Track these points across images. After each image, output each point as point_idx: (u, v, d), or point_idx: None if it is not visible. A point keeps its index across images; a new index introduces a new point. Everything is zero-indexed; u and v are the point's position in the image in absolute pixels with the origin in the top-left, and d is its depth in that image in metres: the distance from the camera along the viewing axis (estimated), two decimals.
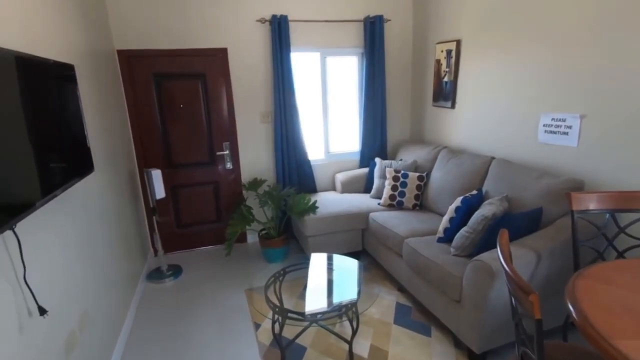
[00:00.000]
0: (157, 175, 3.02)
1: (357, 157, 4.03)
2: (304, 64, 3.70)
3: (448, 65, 3.34)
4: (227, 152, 3.60)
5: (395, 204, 3.26)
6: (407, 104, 4.07)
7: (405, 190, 3.24)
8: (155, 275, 3.19)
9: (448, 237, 2.48)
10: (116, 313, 2.34)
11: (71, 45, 2.06)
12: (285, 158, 3.64)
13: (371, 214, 3.17)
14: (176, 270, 3.26)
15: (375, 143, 3.94)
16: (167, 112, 3.38)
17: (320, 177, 3.93)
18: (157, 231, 3.21)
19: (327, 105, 3.85)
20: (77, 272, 1.80)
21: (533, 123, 2.58)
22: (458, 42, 3.20)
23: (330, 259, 2.55)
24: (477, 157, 2.87)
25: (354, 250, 3.33)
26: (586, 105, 2.21)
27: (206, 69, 3.39)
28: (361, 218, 3.21)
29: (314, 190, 3.83)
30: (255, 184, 3.52)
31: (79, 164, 1.73)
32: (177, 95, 3.37)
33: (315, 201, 3.21)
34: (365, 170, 3.83)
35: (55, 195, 1.42)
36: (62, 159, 1.55)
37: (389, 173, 3.34)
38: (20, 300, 1.28)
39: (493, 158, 2.78)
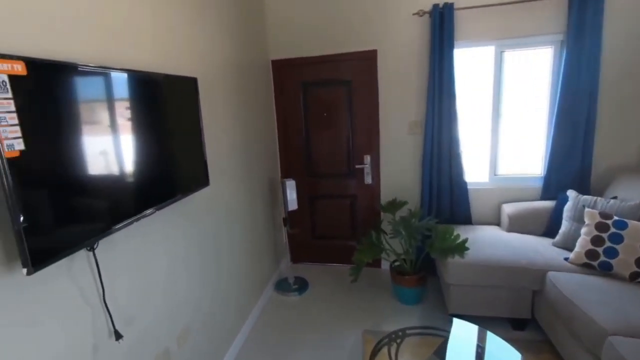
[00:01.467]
0: (291, 185, 2.94)
1: (539, 185, 2.95)
2: (469, 63, 2.93)
3: None
4: (367, 165, 3.23)
5: (596, 265, 2.15)
6: (636, 108, 2.70)
7: (617, 247, 2.09)
8: (283, 285, 3.15)
9: None
10: (234, 319, 2.34)
11: (221, 59, 2.11)
12: (435, 177, 2.98)
13: (550, 274, 2.19)
14: (302, 285, 3.14)
15: (572, 167, 2.77)
16: (311, 121, 3.29)
17: (479, 205, 3.07)
18: (286, 242, 3.15)
19: (499, 113, 2.95)
20: (184, 283, 1.79)
21: None
22: None
23: (481, 339, 1.82)
24: None
25: (517, 317, 2.40)
26: None
27: (352, 75, 3.11)
28: (533, 275, 2.26)
29: (467, 221, 3.02)
30: (393, 205, 3.02)
31: (190, 177, 1.70)
32: (322, 103, 3.22)
33: (466, 239, 2.46)
34: (550, 204, 2.75)
35: (161, 207, 1.38)
36: (173, 173, 1.51)
37: (590, 216, 2.23)
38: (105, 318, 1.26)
39: None
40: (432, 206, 3.04)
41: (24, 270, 0.89)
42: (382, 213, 3.25)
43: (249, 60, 2.69)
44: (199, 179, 1.78)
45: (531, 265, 2.27)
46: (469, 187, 3.00)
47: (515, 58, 2.86)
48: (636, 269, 2.03)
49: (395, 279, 2.79)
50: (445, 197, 3.02)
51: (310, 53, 3.11)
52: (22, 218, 0.87)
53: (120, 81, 1.24)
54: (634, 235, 2.06)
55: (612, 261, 2.09)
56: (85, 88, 1.09)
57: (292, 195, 2.95)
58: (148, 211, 1.36)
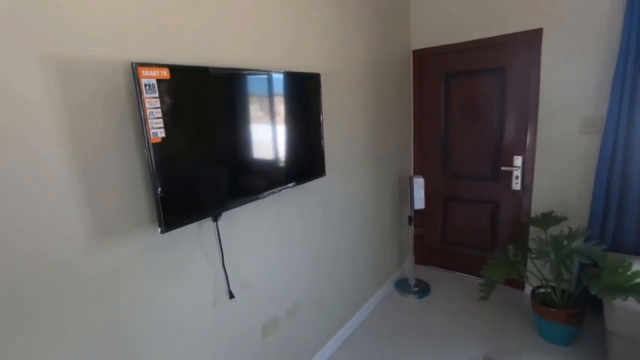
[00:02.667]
0: (419, 183, 2.78)
1: None
2: None
3: None
4: (517, 168, 2.73)
5: None
6: None
7: None
8: (403, 285, 3.05)
9: None
10: (347, 304, 2.44)
11: (358, 53, 2.18)
12: (614, 191, 2.27)
13: None
14: (423, 289, 2.96)
15: None
16: (452, 115, 3.00)
17: None
18: (412, 241, 3.01)
19: None
20: (297, 259, 1.97)
21: None
22: None
23: None
24: None
25: None
26: None
27: (507, 61, 2.65)
28: None
29: None
30: (547, 219, 2.47)
31: (307, 168, 1.82)
32: (466, 95, 2.88)
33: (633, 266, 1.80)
34: None
35: (280, 191, 1.62)
36: (292, 164, 1.68)
37: None
38: (220, 281, 1.53)
39: None
40: (607, 228, 2.33)
41: (159, 230, 1.16)
42: (530, 227, 2.70)
43: (386, 51, 2.65)
44: (317, 168, 1.89)
45: None
46: None
47: None
48: None
49: (537, 309, 2.29)
50: (632, 219, 2.26)
51: (455, 39, 2.81)
52: (159, 189, 1.13)
53: (251, 80, 1.44)
54: None
55: None
56: (216, 87, 1.32)
57: (419, 193, 2.79)
58: (265, 193, 1.54)
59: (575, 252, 2.04)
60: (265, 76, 1.52)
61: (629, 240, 2.28)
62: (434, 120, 3.10)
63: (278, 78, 1.59)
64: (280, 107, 1.60)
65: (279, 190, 1.62)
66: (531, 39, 2.51)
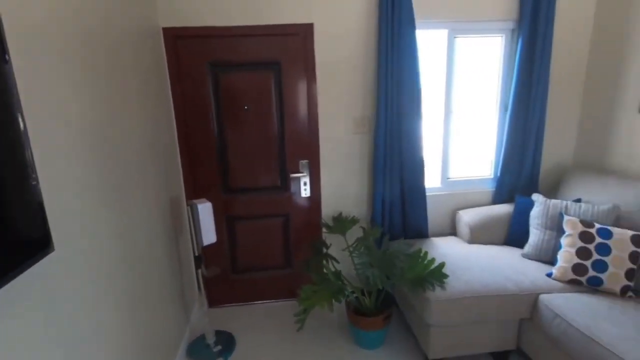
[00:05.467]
0: (205, 210, 2.03)
1: (490, 188, 2.70)
2: (420, 49, 2.48)
3: None
4: (303, 174, 2.52)
5: (584, 281, 1.90)
6: (574, 109, 2.64)
7: (606, 259, 1.86)
8: (198, 348, 2.22)
9: None
10: None
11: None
12: (388, 185, 2.45)
13: (544, 298, 1.86)
14: (227, 343, 2.26)
15: (523, 169, 2.57)
16: (226, 116, 2.40)
17: (434, 214, 2.68)
18: (202, 288, 2.22)
19: (451, 109, 2.58)
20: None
21: None
22: None
23: None
24: None
25: (500, 350, 2.03)
26: None
27: (281, 55, 2.34)
28: (524, 301, 1.91)
29: (423, 234, 2.59)
30: (342, 223, 2.39)
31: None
32: (241, 92, 2.37)
33: (442, 264, 1.98)
34: (507, 209, 2.50)
35: None
36: None
37: (572, 225, 1.98)
38: None
39: None
40: (386, 220, 2.51)
41: None
42: (326, 234, 2.58)
43: (117, 24, 1.68)
44: (28, 239, 0.81)
45: (520, 290, 1.90)
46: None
47: (467, 46, 2.51)
48: (627, 283, 1.82)
49: (355, 321, 2.16)
50: (398, 208, 2.52)
51: (222, 22, 2.22)
52: None
53: None
54: (620, 245, 1.85)
55: (603, 276, 1.85)
56: None
57: (208, 222, 2.04)
58: None
59: (395, 256, 2.00)
60: None
61: (397, 227, 2.55)
62: (204, 122, 2.39)
63: None
64: None
65: None
66: (303, 34, 2.30)
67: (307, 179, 2.53)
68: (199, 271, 2.16)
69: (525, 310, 1.91)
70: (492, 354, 2.10)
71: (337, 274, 2.03)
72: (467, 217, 2.50)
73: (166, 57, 2.24)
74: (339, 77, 2.38)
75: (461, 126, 2.64)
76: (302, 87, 2.39)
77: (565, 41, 2.49)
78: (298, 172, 2.52)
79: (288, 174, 2.52)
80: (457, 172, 2.72)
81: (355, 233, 2.59)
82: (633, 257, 1.83)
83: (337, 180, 2.55)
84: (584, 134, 2.62)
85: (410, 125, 2.37)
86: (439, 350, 1.96)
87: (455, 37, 2.45)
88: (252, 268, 2.68)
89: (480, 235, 2.45)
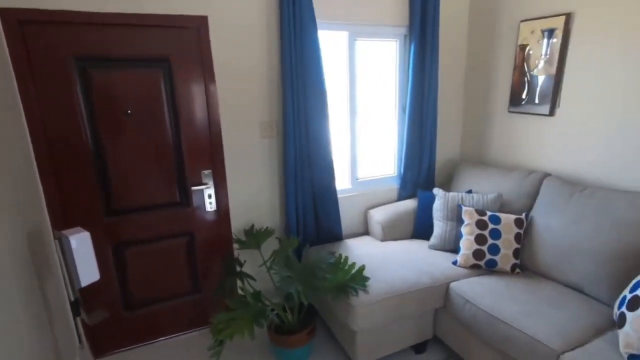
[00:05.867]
0: (80, 242, 1.60)
1: (396, 185, 2.83)
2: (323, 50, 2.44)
3: (547, 52, 2.25)
4: (208, 185, 2.24)
5: (482, 264, 2.10)
6: (458, 109, 2.95)
7: (498, 243, 2.09)
8: None
9: None
10: None
11: None
12: (300, 190, 2.35)
13: (454, 286, 1.98)
14: None
15: (422, 165, 2.76)
16: (103, 123, 1.97)
17: (346, 216, 2.68)
18: (84, 339, 1.77)
19: (355, 110, 2.61)
20: None
21: None
22: (568, 17, 2.11)
23: None
24: (634, 196, 1.78)
25: (419, 341, 2.12)
26: None
27: (171, 51, 2.02)
28: (438, 292, 2.01)
29: (337, 237, 2.56)
30: (255, 236, 2.20)
31: None
32: (122, 93, 1.97)
33: (362, 267, 1.96)
34: (411, 204, 2.64)
35: None
36: None
37: (469, 214, 2.17)
38: None
39: None
40: (300, 226, 2.40)
41: None
42: (238, 249, 2.34)
43: None
44: None
45: (434, 282, 2.00)
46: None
47: (366, 49, 2.57)
48: (515, 261, 2.07)
49: (278, 341, 1.99)
50: (311, 213, 2.44)
51: (87, 5, 1.80)
52: None
53: None
54: (508, 228, 2.10)
55: (496, 257, 2.07)
56: None
57: (86, 257, 1.62)
58: None
59: (316, 266, 1.88)
60: None
61: (311, 231, 2.47)
62: (73, 132, 1.92)
63: None
64: None
65: None
66: (196, 27, 2.03)
67: (211, 191, 2.25)
68: (79, 319, 1.71)
69: (440, 299, 2.02)
70: (413, 346, 2.17)
71: (257, 295, 1.83)
72: (378, 216, 2.57)
73: (8, 48, 1.72)
74: (242, 78, 2.17)
75: (366, 127, 2.70)
76: (198, 89, 2.11)
77: (449, 48, 2.75)
78: (201, 183, 2.23)
79: (189, 187, 2.20)
80: (365, 172, 2.78)
81: (271, 245, 2.42)
82: (517, 237, 2.09)
83: (246, 189, 2.34)
84: (466, 131, 2.94)
85: (318, 127, 2.31)
86: (365, 354, 1.93)
87: (355, 40, 2.48)
88: (151, 301, 2.28)
89: (391, 232, 2.53)
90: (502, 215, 2.14)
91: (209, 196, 2.26)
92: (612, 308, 1.69)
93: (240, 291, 2.24)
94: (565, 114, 2.22)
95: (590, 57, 2.04)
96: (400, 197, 2.81)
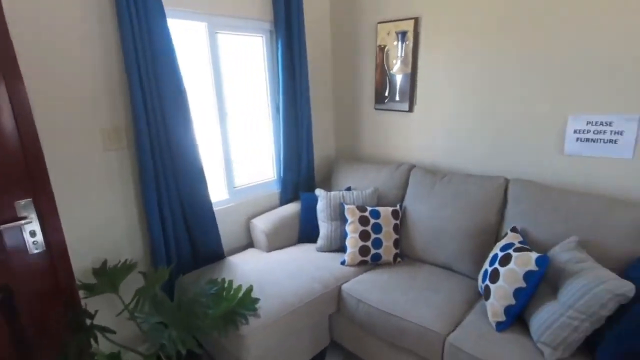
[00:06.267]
0: None
1: (276, 190, 2.68)
2: (178, 44, 2.09)
3: (402, 53, 2.42)
4: (28, 219, 1.64)
5: (368, 259, 2.13)
6: (330, 106, 2.98)
7: (380, 236, 2.15)
8: None
9: (512, 319, 1.54)
10: None
11: None
12: (167, 209, 1.96)
13: (345, 287, 1.95)
14: None
15: (301, 166, 2.69)
16: None
17: (226, 230, 2.40)
18: None
19: (225, 112, 2.35)
20: None
21: (555, 129, 1.91)
22: (416, 21, 2.31)
23: None
24: (482, 179, 2.05)
25: (316, 353, 2.03)
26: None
27: None
28: (331, 297, 1.94)
29: (219, 255, 2.27)
30: (110, 276, 1.73)
31: None
32: None
33: (251, 287, 1.74)
34: (294, 208, 2.54)
35: None
36: None
37: (351, 212, 2.18)
38: None
39: (507, 180, 2.01)
40: (171, 252, 2.02)
41: None
42: (85, 297, 1.80)
43: None
44: None
45: (326, 287, 1.93)
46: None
47: (231, 45, 2.32)
48: (396, 251, 2.17)
49: None
50: (183, 233, 2.09)
51: None
52: None
53: None
54: (387, 221, 2.18)
55: (380, 251, 2.13)
56: None
57: None
58: None
59: (195, 302, 1.55)
60: None
61: (185, 254, 2.13)
62: None
63: None
64: None
65: None
66: None
67: (35, 226, 1.66)
68: None
69: (333, 304, 1.96)
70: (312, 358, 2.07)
71: (115, 357, 1.41)
72: (261, 224, 2.37)
73: None
74: (65, 74, 1.65)
75: (240, 130, 2.46)
76: None
77: (316, 45, 2.73)
78: (15, 219, 1.62)
79: None
80: (244, 178, 2.54)
81: (134, 282, 1.96)
82: (395, 228, 2.19)
83: (91, 216, 1.82)
84: (339, 128, 3.00)
85: (180, 133, 1.96)
86: None
87: (216, 33, 2.20)
88: None
89: (276, 240, 2.37)
90: (380, 209, 2.21)
91: (32, 234, 1.66)
92: (477, 281, 1.91)
93: (94, 358, 1.74)
94: (421, 109, 2.43)
95: (438, 58, 2.27)
96: (283, 202, 2.67)
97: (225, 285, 1.70)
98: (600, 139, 1.78)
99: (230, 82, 2.34)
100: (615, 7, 1.64)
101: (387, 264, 2.15)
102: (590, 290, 1.30)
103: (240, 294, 1.71)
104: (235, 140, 2.43)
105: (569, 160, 1.90)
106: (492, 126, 2.14)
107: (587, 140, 1.82)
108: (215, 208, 2.27)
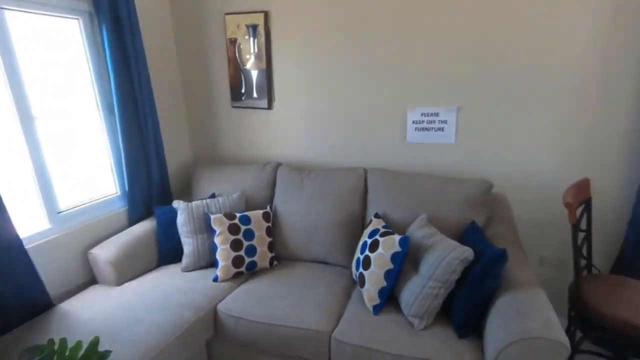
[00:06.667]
0: None
1: (122, 207, 2.22)
2: None
3: (255, 48, 2.31)
4: None
5: (244, 270, 1.96)
6: (178, 105, 2.64)
7: (253, 242, 2.01)
8: None
9: (386, 300, 1.64)
10: None
11: None
12: None
13: (223, 309, 1.74)
14: None
15: (152, 176, 2.29)
16: None
17: (50, 270, 1.83)
18: None
19: (32, 115, 1.77)
20: None
21: (399, 121, 2.14)
22: (266, 15, 2.23)
23: None
24: (345, 172, 2.13)
25: None
26: (460, 96, 2.00)
27: None
28: (204, 323, 1.70)
29: (44, 305, 1.72)
30: None
31: None
32: None
33: (96, 340, 1.34)
34: (148, 226, 2.15)
35: None
36: None
37: (219, 222, 1.96)
38: None
39: (366, 170, 2.15)
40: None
41: None
42: None
43: None
44: None
45: (198, 312, 1.67)
46: (26, 247, 1.66)
47: (31, 26, 1.75)
48: (271, 255, 2.07)
49: None
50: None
51: None
52: None
53: None
54: (258, 225, 2.06)
55: (255, 258, 1.99)
56: None
57: None
58: None
59: None
60: None
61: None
62: None
63: None
64: None
65: None
66: None
67: None
68: None
69: (210, 329, 1.72)
70: None
71: None
72: (105, 253, 1.91)
73: None
74: None
75: (58, 137, 1.91)
76: None
77: (154, 33, 2.35)
78: None
79: None
80: (72, 199, 1.99)
81: None
82: (268, 231, 2.09)
83: None
84: (193, 129, 2.70)
85: None
86: None
87: (2, 9, 1.62)
88: None
89: (128, 269, 1.95)
90: (251, 214, 2.07)
91: None
92: (351, 269, 1.98)
93: None
94: (280, 106, 2.38)
95: (291, 53, 2.25)
96: (132, 221, 2.23)
97: (56, 347, 1.27)
98: (432, 128, 2.08)
99: (39, 78, 1.78)
100: (438, 30, 1.92)
101: (264, 270, 2.03)
102: (443, 260, 1.48)
103: (81, 353, 1.30)
104: (52, 151, 1.87)
105: (411, 147, 2.16)
106: (345, 121, 2.25)
107: (423, 129, 2.10)
108: (29, 244, 1.70)
